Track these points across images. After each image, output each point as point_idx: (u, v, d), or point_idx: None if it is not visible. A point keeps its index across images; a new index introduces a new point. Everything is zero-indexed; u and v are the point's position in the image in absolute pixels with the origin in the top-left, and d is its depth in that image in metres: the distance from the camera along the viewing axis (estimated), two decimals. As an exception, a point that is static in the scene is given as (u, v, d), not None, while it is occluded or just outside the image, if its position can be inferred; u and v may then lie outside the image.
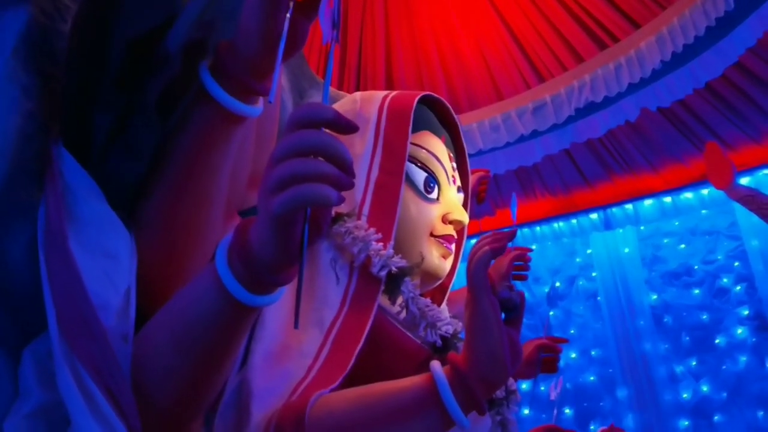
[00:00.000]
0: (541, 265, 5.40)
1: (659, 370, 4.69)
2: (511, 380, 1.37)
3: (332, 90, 1.92)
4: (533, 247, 5.13)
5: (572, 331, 5.18)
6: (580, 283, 5.31)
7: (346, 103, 1.44)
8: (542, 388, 4.32)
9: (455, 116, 1.51)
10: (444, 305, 1.48)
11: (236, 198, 1.13)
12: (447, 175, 1.37)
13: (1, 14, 0.88)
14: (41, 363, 0.80)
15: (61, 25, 0.91)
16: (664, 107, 3.60)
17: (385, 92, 1.44)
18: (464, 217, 1.35)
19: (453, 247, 1.35)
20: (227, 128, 0.91)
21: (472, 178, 2.06)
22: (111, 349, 0.80)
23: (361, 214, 1.23)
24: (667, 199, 4.86)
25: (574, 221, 5.24)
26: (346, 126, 0.70)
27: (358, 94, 1.47)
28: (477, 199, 2.09)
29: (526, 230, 5.37)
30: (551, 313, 5.25)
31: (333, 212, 1.19)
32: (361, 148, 1.32)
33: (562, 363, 4.91)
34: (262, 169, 1.15)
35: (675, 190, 4.78)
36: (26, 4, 0.90)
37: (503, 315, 0.93)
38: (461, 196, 1.42)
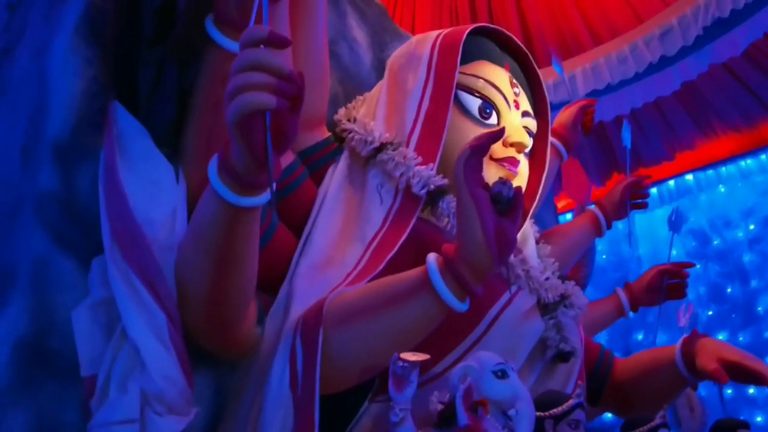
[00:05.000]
0: (732, 207, 5.00)
1: None
2: (572, 286, 1.40)
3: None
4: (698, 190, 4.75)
5: (772, 276, 4.76)
6: (777, 223, 4.86)
7: (403, 47, 1.55)
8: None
9: (520, 44, 1.55)
10: (527, 226, 1.53)
11: None
12: (507, 100, 1.42)
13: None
14: (104, 269, 1.02)
15: (110, 4, 1.13)
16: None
17: (440, 31, 1.53)
18: (524, 139, 1.40)
19: (517, 169, 1.41)
20: None
21: (572, 109, 2.06)
22: (152, 253, 1.01)
23: (410, 143, 1.34)
24: None
25: (763, 157, 4.79)
26: (280, 40, 0.83)
27: (414, 37, 1.58)
28: (584, 130, 2.06)
29: (710, 172, 4.99)
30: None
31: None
32: (413, 84, 1.43)
33: (761, 310, 4.58)
34: (311, 112, 1.32)
35: None
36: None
37: (500, 207, 0.99)
38: (529, 120, 1.46)
